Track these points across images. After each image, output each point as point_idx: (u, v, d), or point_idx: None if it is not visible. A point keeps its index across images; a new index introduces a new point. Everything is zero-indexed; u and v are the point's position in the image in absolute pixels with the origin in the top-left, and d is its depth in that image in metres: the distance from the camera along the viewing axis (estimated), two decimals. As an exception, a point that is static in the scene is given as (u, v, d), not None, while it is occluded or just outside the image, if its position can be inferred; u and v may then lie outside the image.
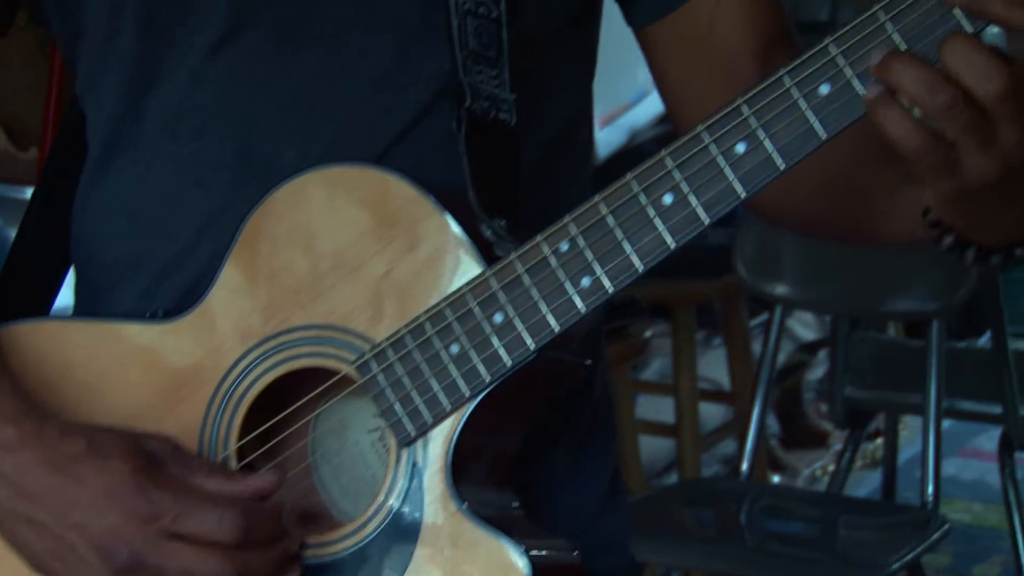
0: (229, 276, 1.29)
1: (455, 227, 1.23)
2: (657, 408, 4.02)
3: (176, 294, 1.34)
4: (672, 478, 3.86)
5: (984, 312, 3.44)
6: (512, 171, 1.32)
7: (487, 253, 1.23)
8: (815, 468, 4.53)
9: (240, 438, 1.29)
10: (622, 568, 1.45)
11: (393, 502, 1.25)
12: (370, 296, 1.25)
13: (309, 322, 1.27)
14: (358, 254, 1.25)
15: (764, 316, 4.19)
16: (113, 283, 1.39)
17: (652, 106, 4.52)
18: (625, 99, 4.69)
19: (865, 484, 4.25)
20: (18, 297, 1.47)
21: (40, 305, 1.50)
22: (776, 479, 4.32)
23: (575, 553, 1.30)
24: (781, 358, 4.04)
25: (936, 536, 2.93)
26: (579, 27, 1.41)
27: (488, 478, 1.28)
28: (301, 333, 1.27)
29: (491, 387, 1.23)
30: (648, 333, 4.17)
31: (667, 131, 4.55)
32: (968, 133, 1.09)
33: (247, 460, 1.30)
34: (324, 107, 1.32)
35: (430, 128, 1.32)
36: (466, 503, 1.23)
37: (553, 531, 1.33)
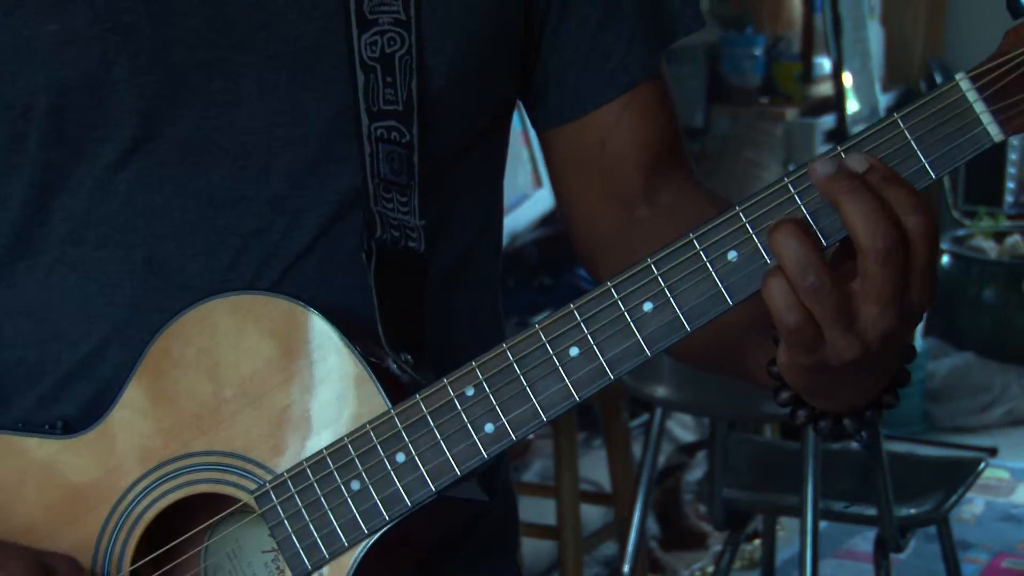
0: (132, 396, 1.26)
1: (361, 363, 1.21)
2: (539, 510, 4.01)
3: (78, 403, 1.31)
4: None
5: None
6: (419, 302, 1.30)
7: (392, 389, 1.21)
8: (694, 569, 4.52)
9: (134, 560, 1.26)
10: None
11: None
12: (272, 426, 1.23)
13: (210, 448, 1.24)
14: (262, 383, 1.23)
15: (644, 417, 4.21)
16: (14, 385, 1.36)
17: (531, 209, 4.54)
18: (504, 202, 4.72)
19: (737, 585, 4.24)
20: None
21: None
22: (656, 581, 4.31)
23: None
24: (660, 459, 4.04)
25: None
26: (488, 136, 1.41)
27: None
28: (201, 459, 1.25)
29: (390, 525, 1.20)
30: (530, 435, 4.15)
31: (546, 234, 4.58)
32: (830, 315, 1.09)
33: None
34: (227, 221, 1.30)
35: (334, 247, 1.30)
36: None
37: None
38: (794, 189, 1.12)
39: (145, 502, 1.26)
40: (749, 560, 4.40)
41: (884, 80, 6.12)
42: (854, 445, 3.44)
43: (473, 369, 1.18)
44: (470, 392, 1.18)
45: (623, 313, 1.15)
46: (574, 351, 1.16)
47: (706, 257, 1.14)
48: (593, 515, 4.17)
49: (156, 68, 1.28)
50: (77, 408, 1.31)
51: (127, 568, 1.26)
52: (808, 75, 5.94)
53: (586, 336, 1.15)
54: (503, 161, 1.45)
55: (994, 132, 1.11)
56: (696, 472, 4.79)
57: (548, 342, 1.16)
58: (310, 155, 1.30)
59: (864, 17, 5.79)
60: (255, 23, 1.28)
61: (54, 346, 1.33)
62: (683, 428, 5.00)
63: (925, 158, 1.11)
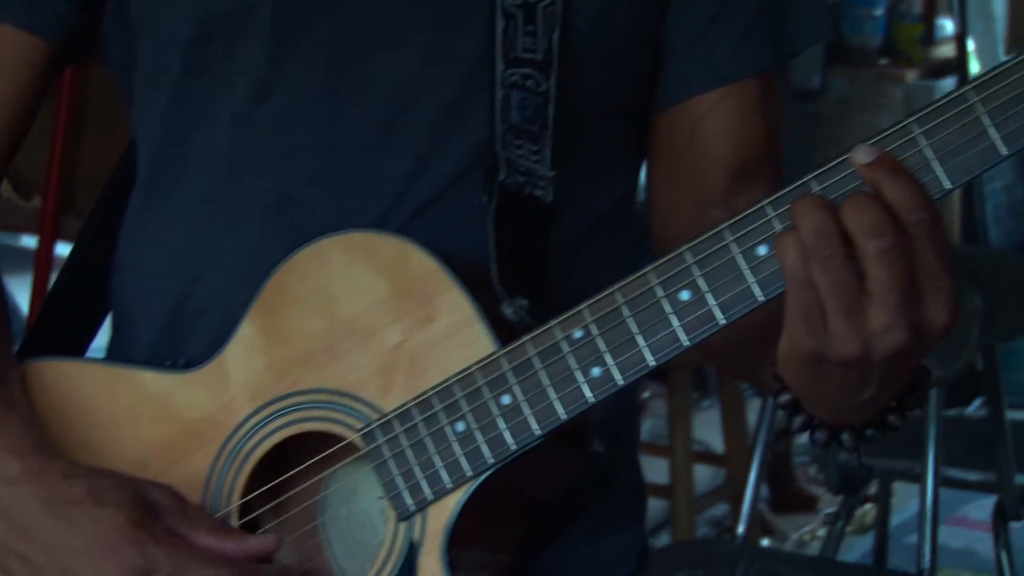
0: (246, 333, 1.27)
1: (471, 304, 1.20)
2: (648, 469, 3.97)
3: (207, 337, 1.32)
4: (664, 539, 3.81)
5: (972, 382, 3.41)
6: (541, 250, 1.29)
7: (505, 333, 1.20)
8: (803, 532, 4.49)
9: (244, 495, 1.26)
10: None
11: (388, 575, 1.22)
12: (381, 365, 1.22)
13: (320, 386, 1.24)
14: (373, 322, 1.23)
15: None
16: (145, 316, 1.37)
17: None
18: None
19: (854, 549, 4.19)
20: (58, 330, 1.45)
21: (80, 335, 1.47)
22: (765, 542, 4.28)
23: None
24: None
25: (933, 604, 2.89)
26: (629, 117, 1.38)
27: (484, 563, 1.25)
28: (311, 396, 1.24)
29: (494, 469, 1.19)
30: (646, 394, 4.12)
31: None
32: (835, 291, 1.06)
33: (251, 516, 1.27)
34: (357, 166, 1.29)
35: (460, 199, 1.29)
36: None
37: None
38: (818, 185, 1.11)
39: (255, 438, 1.26)
40: (859, 525, 4.34)
41: (1008, 42, 6.01)
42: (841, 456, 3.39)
43: (581, 311, 1.16)
44: (578, 335, 1.16)
45: (735, 256, 1.12)
46: (685, 295, 1.14)
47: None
48: (701, 475, 4.14)
49: (295, 5, 1.28)
50: (203, 346, 1.31)
51: (236, 503, 1.26)
52: (930, 37, 5.83)
53: (697, 279, 1.13)
54: (640, 156, 1.42)
55: None
56: (806, 435, 4.73)
57: (658, 284, 1.14)
58: (444, 103, 1.29)
59: (990, -20, 5.70)
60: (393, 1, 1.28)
61: (185, 280, 1.34)
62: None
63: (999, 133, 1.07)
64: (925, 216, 1.06)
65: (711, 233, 1.12)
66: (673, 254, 1.13)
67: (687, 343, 1.14)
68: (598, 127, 1.35)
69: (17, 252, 3.29)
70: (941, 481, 3.21)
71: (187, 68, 1.31)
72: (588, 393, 1.16)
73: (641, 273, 1.14)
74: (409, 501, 1.21)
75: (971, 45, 5.46)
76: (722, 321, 1.12)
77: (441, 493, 1.20)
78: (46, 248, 3.11)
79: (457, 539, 1.20)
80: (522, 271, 1.26)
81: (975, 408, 4.07)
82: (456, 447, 1.19)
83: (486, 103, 1.27)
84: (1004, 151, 1.07)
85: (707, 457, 4.09)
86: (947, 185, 1.08)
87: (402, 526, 1.22)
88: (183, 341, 1.33)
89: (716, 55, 1.35)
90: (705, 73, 1.35)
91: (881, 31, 5.78)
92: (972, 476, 3.54)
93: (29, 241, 3.26)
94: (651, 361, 1.15)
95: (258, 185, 1.31)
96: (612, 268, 1.36)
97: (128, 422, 1.29)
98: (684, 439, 3.46)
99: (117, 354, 1.40)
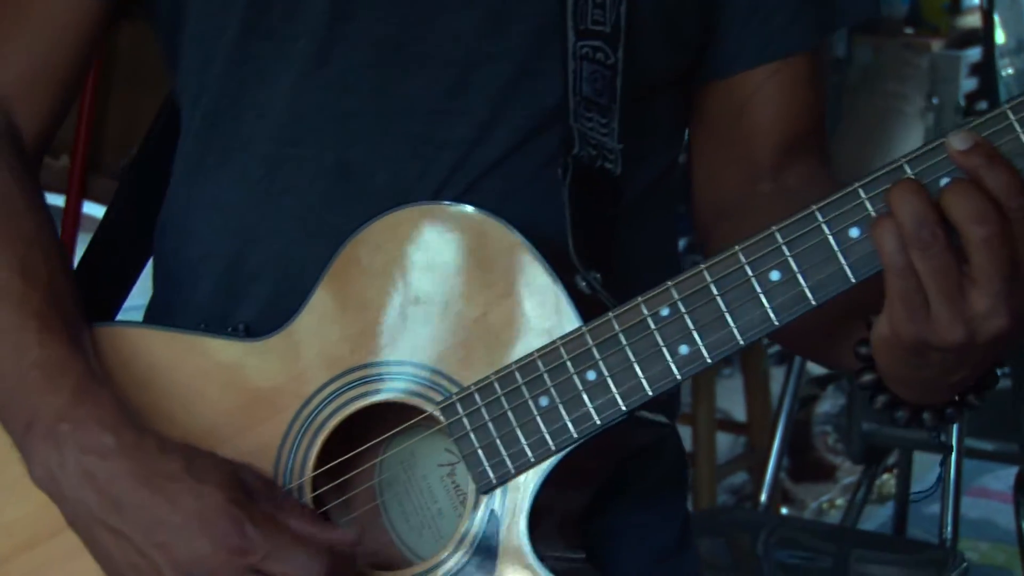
0: (319, 301, 1.25)
1: (553, 278, 1.20)
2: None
3: (257, 304, 1.31)
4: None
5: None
6: (611, 222, 1.28)
7: (581, 306, 1.19)
8: (822, 501, 4.49)
9: (317, 466, 1.25)
10: None
11: (467, 549, 1.21)
12: (461, 338, 1.21)
13: (397, 357, 1.23)
14: (452, 295, 1.22)
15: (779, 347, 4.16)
16: (197, 281, 1.36)
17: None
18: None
19: (872, 519, 4.20)
20: (93, 285, 1.42)
21: (114, 295, 1.46)
22: (784, 511, 4.28)
23: None
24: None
25: (955, 574, 2.89)
26: (679, 87, 1.38)
27: (560, 531, 1.25)
28: (388, 368, 1.23)
29: (578, 443, 1.19)
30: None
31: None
32: (938, 279, 1.06)
33: (320, 491, 1.26)
34: (420, 130, 1.28)
35: (522, 164, 1.28)
36: (539, 556, 1.20)
37: (631, 573, 1.31)
38: (911, 169, 1.09)
39: (329, 409, 1.25)
40: (878, 494, 4.34)
41: (1032, 13, 5.97)
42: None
43: (668, 289, 1.15)
44: (665, 312, 1.15)
45: (827, 237, 1.11)
46: (775, 275, 1.12)
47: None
48: (721, 443, 4.14)
49: None
50: (255, 310, 1.31)
51: (309, 474, 1.25)
52: (956, 6, 5.82)
53: (788, 259, 1.12)
54: (684, 118, 1.41)
55: None
56: (825, 405, 4.74)
57: (748, 264, 1.13)
58: (510, 69, 1.28)
59: (1015, -51, 5.65)
60: None
61: (241, 244, 1.33)
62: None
63: None
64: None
65: (802, 215, 1.11)
66: (763, 234, 1.12)
67: (777, 323, 1.13)
68: (655, 98, 1.34)
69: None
70: (964, 451, 3.22)
71: (246, 29, 1.29)
72: (675, 371, 1.16)
73: (730, 252, 1.13)
74: (491, 474, 1.20)
75: (996, 15, 5.42)
76: (813, 302, 1.11)
77: (524, 467, 1.20)
78: (73, 207, 3.10)
79: (537, 511, 1.20)
80: (594, 244, 1.25)
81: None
82: (540, 422, 1.19)
83: (553, 73, 1.26)
84: None
85: (728, 425, 4.08)
86: None
87: (482, 499, 1.21)
88: (235, 305, 1.32)
89: (771, 27, 1.34)
90: (759, 46, 1.34)
91: (907, 1, 5.75)
92: (993, 447, 3.54)
93: (56, 200, 3.26)
94: (740, 340, 1.14)
95: (318, 149, 1.30)
96: (658, 233, 1.38)
97: (196, 390, 1.28)
98: (707, 408, 3.46)
99: (162, 317, 1.39)
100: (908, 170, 1.09)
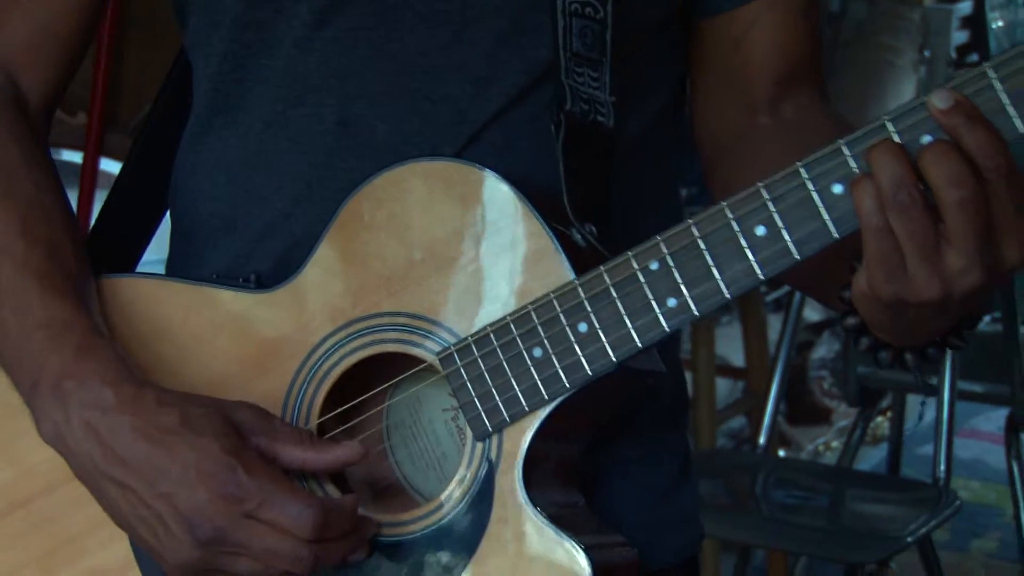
0: (324, 255, 1.26)
1: (548, 232, 1.19)
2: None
3: (270, 258, 1.31)
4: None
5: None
6: (605, 175, 1.28)
7: (576, 259, 1.19)
8: (818, 443, 4.50)
9: (321, 414, 1.26)
10: (692, 542, 1.42)
11: (464, 494, 1.22)
12: (459, 291, 1.22)
13: (398, 309, 1.23)
14: (451, 249, 1.22)
15: (776, 293, 4.16)
16: (207, 237, 1.36)
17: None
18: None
19: (867, 459, 4.21)
20: (111, 240, 1.44)
21: (132, 249, 1.47)
22: (781, 453, 4.29)
23: (632, 551, 1.27)
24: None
25: (948, 513, 2.90)
26: (673, 27, 1.37)
27: (556, 477, 1.25)
28: (389, 319, 1.24)
29: (570, 393, 1.19)
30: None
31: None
32: (915, 239, 1.06)
33: (328, 436, 1.27)
34: (418, 85, 1.28)
35: (520, 117, 1.28)
36: (534, 501, 1.20)
37: (624, 512, 1.31)
38: (893, 126, 1.08)
39: (334, 358, 1.25)
40: (873, 436, 4.35)
41: (1023, -33, 5.93)
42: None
43: (658, 244, 1.15)
44: (654, 266, 1.15)
45: (811, 193, 1.10)
46: (760, 230, 1.12)
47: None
48: (720, 389, 4.15)
49: None
50: (269, 263, 1.31)
51: (315, 420, 1.26)
52: (948, -39, 5.76)
53: (773, 215, 1.12)
54: (680, 64, 1.40)
55: None
56: (821, 350, 4.74)
57: (734, 219, 1.12)
58: (503, 25, 1.27)
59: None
60: None
61: (247, 202, 1.33)
62: (809, 307, 4.94)
63: None
64: (1001, 161, 1.05)
65: (787, 171, 1.11)
66: (749, 190, 1.12)
67: (762, 276, 1.13)
68: (648, 42, 1.33)
69: (62, 166, 3.27)
70: (956, 393, 3.22)
71: None
72: (664, 323, 1.15)
73: (717, 208, 1.13)
74: (487, 423, 1.21)
75: (988, -31, 5.39)
76: (796, 256, 1.11)
77: (518, 416, 1.20)
78: (91, 163, 3.09)
79: (531, 458, 1.21)
80: (589, 197, 1.25)
81: (987, 323, 4.08)
82: (533, 372, 1.19)
83: (544, 28, 1.26)
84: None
85: (727, 371, 4.09)
86: (1021, 129, 1.06)
87: (479, 446, 1.22)
88: (247, 258, 1.33)
89: None
90: None
91: (900, -45, 5.71)
92: (984, 389, 3.54)
93: (73, 156, 3.25)
94: (727, 293, 1.14)
95: (320, 107, 1.30)
96: (655, 181, 1.37)
97: (207, 340, 1.29)
98: (707, 354, 3.46)
99: (179, 270, 1.39)
100: (890, 127, 1.08)
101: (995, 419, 3.93)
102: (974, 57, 5.44)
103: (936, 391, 3.15)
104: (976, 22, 5.33)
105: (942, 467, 3.03)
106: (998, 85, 1.05)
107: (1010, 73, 1.05)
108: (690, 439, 3.76)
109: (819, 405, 4.59)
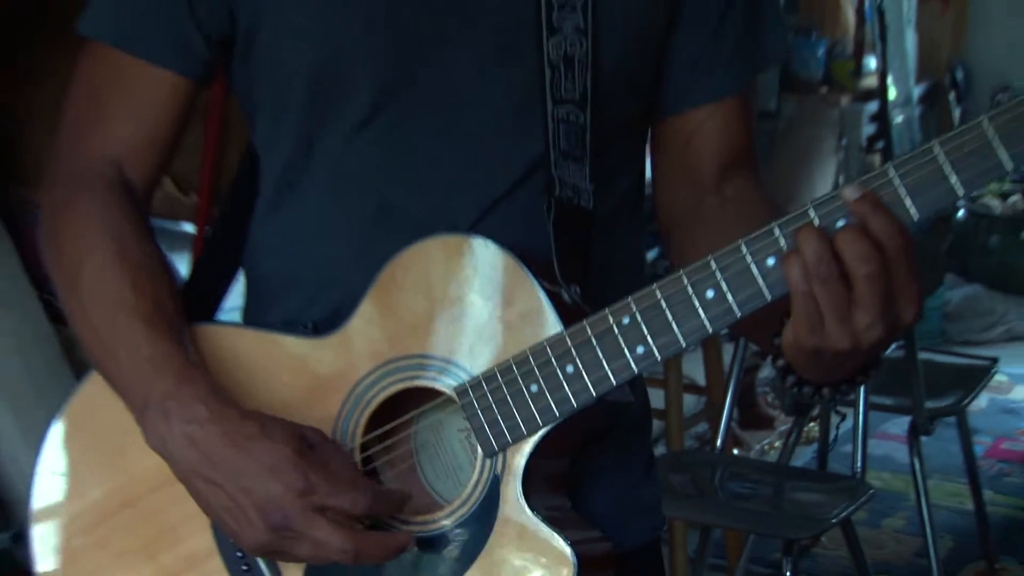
0: (366, 309, 1.23)
1: (542, 293, 1.16)
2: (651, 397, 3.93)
3: (324, 310, 1.28)
4: (660, 449, 3.77)
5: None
6: (586, 246, 1.25)
7: (564, 314, 1.16)
8: (764, 444, 4.45)
9: (364, 435, 1.23)
10: (655, 527, 1.39)
11: (477, 499, 1.19)
12: (472, 338, 1.19)
13: (423, 352, 1.21)
14: (465, 304, 1.19)
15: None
16: (275, 293, 1.33)
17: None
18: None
19: (801, 457, 4.15)
20: (199, 295, 1.41)
21: (214, 299, 1.44)
22: (735, 452, 4.24)
23: (607, 543, 1.25)
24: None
25: (864, 499, 2.86)
26: (638, 124, 1.33)
27: (548, 485, 1.22)
28: (417, 360, 1.21)
29: (560, 421, 1.16)
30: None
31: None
32: (831, 303, 1.03)
33: (368, 452, 1.24)
34: (441, 176, 1.25)
35: (519, 200, 1.25)
36: (531, 506, 1.18)
37: (600, 508, 1.28)
38: (816, 212, 1.06)
39: (373, 391, 1.22)
40: (806, 438, 4.30)
41: (917, 74, 5.92)
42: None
43: (629, 303, 1.12)
44: (626, 321, 1.12)
45: (750, 265, 1.07)
46: (710, 293, 1.09)
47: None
48: (687, 402, 4.11)
49: (389, 61, 1.23)
50: (323, 313, 1.28)
51: (359, 440, 1.23)
52: (859, 70, 5.74)
53: (719, 281, 1.08)
54: (645, 143, 1.37)
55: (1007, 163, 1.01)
56: (765, 371, 4.69)
57: (689, 284, 1.10)
58: (507, 128, 1.24)
59: (903, 26, 5.59)
60: (463, 37, 1.23)
61: (308, 267, 1.30)
62: (756, 338, 4.91)
63: (958, 178, 1.01)
64: (900, 242, 1.02)
65: (731, 247, 1.08)
66: (701, 261, 1.09)
67: (711, 330, 1.10)
68: (619, 139, 1.30)
69: (179, 235, 3.26)
70: (869, 405, 3.18)
71: (303, 108, 1.26)
72: (633, 366, 1.12)
73: (676, 275, 1.10)
74: (494, 444, 1.18)
75: (890, 77, 5.37)
76: (738, 314, 1.08)
77: (519, 438, 1.17)
78: (201, 233, 3.09)
79: (528, 472, 1.18)
80: (574, 264, 1.22)
81: (893, 350, 4.05)
82: (531, 404, 1.16)
83: (538, 132, 1.23)
84: (961, 192, 1.02)
85: (692, 387, 4.04)
86: (915, 217, 1.03)
87: (488, 462, 1.19)
88: (307, 310, 1.30)
89: (712, 73, 1.30)
90: (703, 90, 1.30)
91: (822, 67, 5.71)
92: (891, 401, 3.51)
93: (188, 227, 3.24)
94: (683, 343, 1.11)
95: (363, 193, 1.27)
96: (626, 245, 1.33)
97: (273, 375, 1.26)
98: (676, 374, 3.42)
99: (254, 317, 1.36)
100: (812, 213, 1.05)
101: (900, 424, 3.89)
102: (880, 145, 5.41)
103: (854, 403, 3.11)
104: (881, 118, 5.31)
105: (859, 463, 3.00)
106: (897, 181, 1.02)
107: (907, 172, 1.02)
108: (663, 443, 3.73)
109: (764, 414, 4.55)
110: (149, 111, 1.30)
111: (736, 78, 1.31)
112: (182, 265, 2.88)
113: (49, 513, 1.32)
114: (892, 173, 1.03)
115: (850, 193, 1.03)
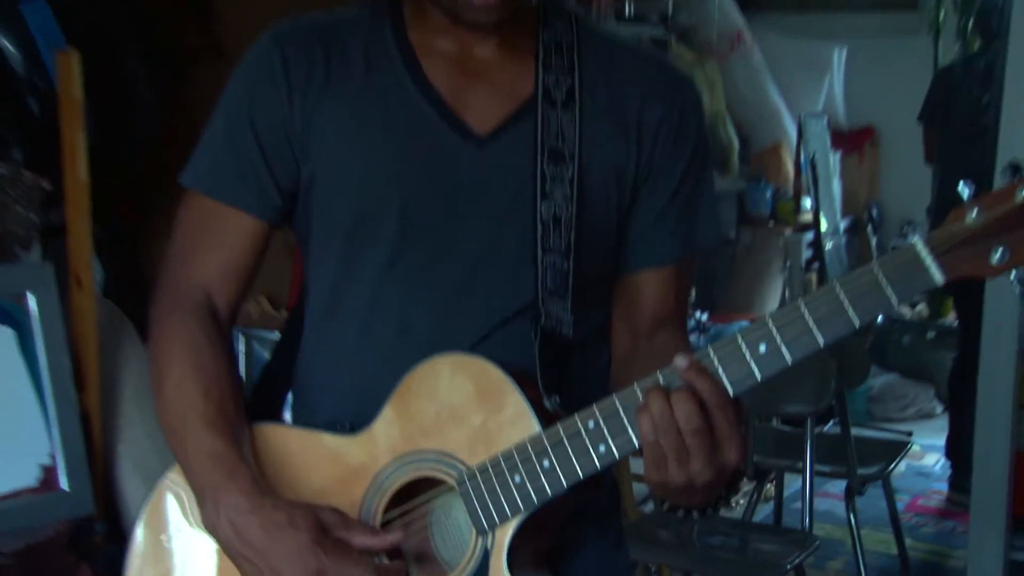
0: (387, 413, 1.17)
1: (526, 402, 1.11)
2: (637, 465, 3.79)
3: (356, 412, 1.21)
4: (649, 506, 3.64)
5: (830, 411, 3.28)
6: (565, 365, 1.19)
7: (544, 419, 1.10)
8: (732, 501, 4.30)
9: (384, 514, 1.17)
10: None
11: (472, 569, 1.12)
12: (469, 438, 1.13)
13: (431, 448, 1.15)
14: (465, 410, 1.13)
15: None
16: (316, 397, 1.27)
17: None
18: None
19: (760, 512, 4.00)
20: (266, 399, 1.35)
21: (278, 399, 1.37)
22: (708, 508, 4.09)
23: None
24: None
25: (812, 548, 2.75)
26: (603, 275, 1.27)
27: (531, 558, 1.15)
28: (426, 455, 1.15)
29: (538, 507, 1.10)
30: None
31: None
32: (673, 449, 1.00)
33: (388, 529, 1.17)
34: (451, 306, 1.20)
35: (512, 327, 1.19)
36: None
37: (585, 572, 1.21)
38: (662, 378, 1.03)
39: (391, 479, 1.16)
40: (764, 497, 4.14)
41: (842, 211, 5.87)
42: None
43: (594, 410, 1.07)
44: (591, 425, 1.06)
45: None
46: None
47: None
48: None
49: (414, 213, 1.19)
50: (356, 414, 1.21)
51: (380, 518, 1.17)
52: (798, 208, 5.69)
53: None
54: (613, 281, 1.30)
55: (938, 277, 0.95)
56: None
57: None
58: (504, 274, 1.19)
59: (830, 174, 5.57)
60: (475, 210, 1.19)
61: (343, 378, 1.25)
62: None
63: (894, 293, 0.95)
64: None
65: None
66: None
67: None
68: (594, 284, 1.24)
69: (272, 342, 3.21)
70: (814, 472, 3.07)
71: (345, 242, 1.22)
72: (596, 462, 1.06)
73: (630, 388, 1.05)
74: (484, 523, 1.11)
75: (821, 214, 5.32)
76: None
77: (504, 519, 1.10)
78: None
79: (514, 547, 1.11)
80: (555, 379, 1.16)
81: (830, 426, 3.93)
82: (515, 492, 1.10)
83: (529, 275, 1.18)
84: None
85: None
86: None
87: (480, 538, 1.12)
88: (344, 412, 1.23)
89: (656, 244, 1.24)
90: (648, 256, 1.24)
91: (770, 206, 5.71)
92: (830, 468, 3.40)
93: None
94: (636, 443, 1.05)
95: (389, 317, 1.21)
96: (597, 363, 1.26)
97: (314, 466, 1.20)
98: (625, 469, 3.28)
99: (301, 418, 1.30)
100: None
101: (838, 485, 3.74)
102: (816, 266, 5.34)
103: (802, 471, 2.99)
104: (816, 245, 5.25)
105: (808, 520, 2.87)
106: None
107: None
108: (650, 503, 3.57)
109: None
110: (233, 247, 1.25)
111: (674, 251, 1.25)
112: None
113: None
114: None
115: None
